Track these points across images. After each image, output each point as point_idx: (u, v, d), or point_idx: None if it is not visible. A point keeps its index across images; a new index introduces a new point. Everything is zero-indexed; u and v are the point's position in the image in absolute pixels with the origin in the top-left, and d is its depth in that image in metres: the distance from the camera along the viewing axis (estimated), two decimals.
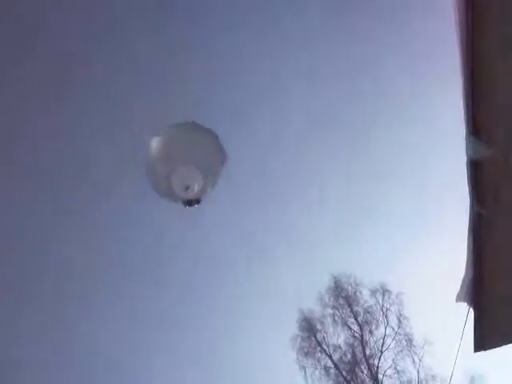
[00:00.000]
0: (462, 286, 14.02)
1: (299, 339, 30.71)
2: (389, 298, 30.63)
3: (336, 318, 31.24)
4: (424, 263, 33.87)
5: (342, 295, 31.70)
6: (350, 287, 31.78)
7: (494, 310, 13.67)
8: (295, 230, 35.65)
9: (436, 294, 33.17)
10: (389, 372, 29.11)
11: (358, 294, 31.68)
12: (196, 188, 6.04)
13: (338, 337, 30.86)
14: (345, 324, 31.00)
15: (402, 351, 29.10)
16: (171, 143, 6.36)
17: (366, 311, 31.11)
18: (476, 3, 8.59)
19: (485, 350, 15.32)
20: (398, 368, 28.99)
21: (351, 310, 31.35)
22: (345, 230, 35.83)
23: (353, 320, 31.11)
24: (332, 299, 31.66)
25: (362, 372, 29.26)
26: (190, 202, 6.06)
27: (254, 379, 34.83)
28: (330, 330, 31.04)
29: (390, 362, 29.29)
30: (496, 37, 7.37)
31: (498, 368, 23.18)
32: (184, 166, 6.15)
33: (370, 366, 29.10)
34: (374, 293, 31.03)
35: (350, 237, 34.75)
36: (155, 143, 6.39)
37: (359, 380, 28.99)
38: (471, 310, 14.46)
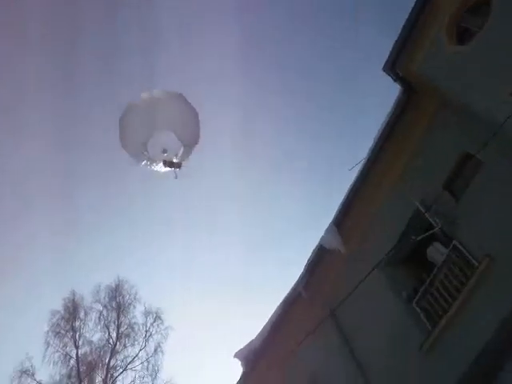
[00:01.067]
0: (245, 348, 14.63)
1: (58, 316, 29.88)
2: (157, 326, 30.57)
3: (101, 317, 30.66)
4: (208, 309, 34.67)
5: (117, 300, 31.23)
6: (128, 296, 31.42)
7: (261, 378, 14.33)
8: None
9: (207, 342, 33.98)
10: None
11: (132, 306, 31.36)
12: (172, 153, 6.21)
13: (93, 334, 30.22)
14: (106, 326, 30.43)
15: (143, 377, 29.02)
16: (156, 106, 6.45)
17: (131, 326, 30.78)
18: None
19: None
20: None
21: (118, 317, 30.84)
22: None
23: (114, 327, 30.59)
24: (107, 298, 31.14)
25: (99, 377, 28.70)
26: (171, 164, 6.21)
27: None
28: (90, 324, 30.41)
29: (128, 380, 29.15)
30: None
31: None
32: (164, 130, 6.28)
33: (107, 376, 28.61)
34: (147, 314, 30.92)
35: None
36: (141, 102, 6.45)
37: (91, 382, 28.36)
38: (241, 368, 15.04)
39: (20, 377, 27.62)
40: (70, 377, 28.41)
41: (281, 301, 13.76)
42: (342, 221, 12.43)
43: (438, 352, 9.87)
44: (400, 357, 10.69)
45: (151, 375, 29.17)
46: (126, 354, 30.12)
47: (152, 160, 6.41)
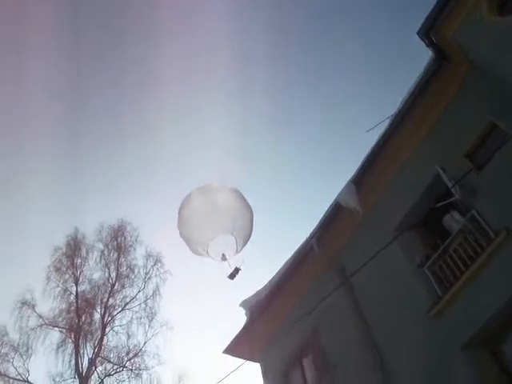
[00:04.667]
0: (251, 297, 14.76)
1: (59, 253, 30.17)
2: (157, 269, 30.76)
3: (102, 256, 30.92)
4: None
5: (119, 240, 31.37)
6: (130, 237, 31.53)
7: (263, 329, 14.56)
8: None
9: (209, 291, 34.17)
10: (119, 329, 29.19)
11: (133, 248, 31.49)
12: (230, 255, 6.73)
13: (93, 272, 30.48)
14: (106, 266, 30.64)
15: (141, 319, 29.34)
16: (215, 207, 6.95)
17: (131, 267, 30.96)
18: None
19: (231, 355, 16.17)
20: (129, 331, 29.14)
21: (118, 257, 31.03)
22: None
23: (114, 267, 30.78)
24: (108, 238, 31.38)
25: (98, 314, 29.08)
26: (232, 275, 7.19)
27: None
28: (91, 263, 30.69)
29: (125, 321, 29.46)
30: None
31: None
32: (221, 235, 6.76)
33: (105, 314, 29.00)
34: (147, 256, 31.04)
35: None
36: (199, 200, 6.93)
37: (89, 319, 28.77)
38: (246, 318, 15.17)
39: (21, 308, 27.86)
40: (68, 312, 28.71)
41: (292, 253, 13.93)
42: (361, 180, 12.46)
43: (446, 317, 10.09)
44: (407, 319, 10.95)
45: (148, 317, 29.36)
46: (124, 294, 30.28)
47: (212, 258, 7.07)
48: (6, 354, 26.42)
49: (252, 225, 7.50)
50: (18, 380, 26.06)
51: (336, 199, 12.77)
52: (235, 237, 7.12)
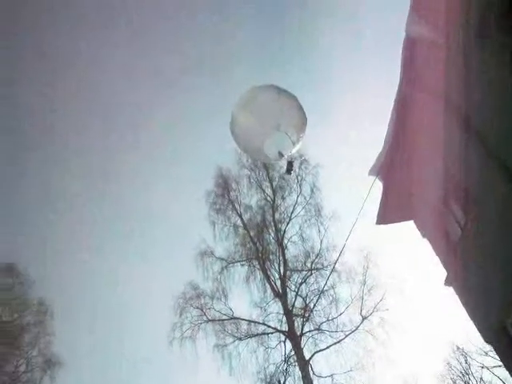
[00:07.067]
0: (376, 161, 14.30)
1: (213, 195, 31.18)
2: (305, 168, 30.69)
3: (251, 179, 31.65)
4: (343, 138, 34.24)
5: None
6: None
7: (400, 187, 14.07)
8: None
9: (350, 168, 33.79)
10: (294, 238, 29.98)
11: None
12: (287, 153, 7.19)
13: (250, 198, 31.39)
14: (259, 187, 31.40)
15: (309, 220, 30.00)
16: (262, 109, 7.15)
17: (282, 177, 31.35)
18: None
19: (385, 223, 15.90)
20: (304, 235, 29.87)
21: (267, 174, 31.62)
22: None
23: (267, 184, 31.49)
24: (250, 161, 31.53)
25: (269, 235, 30.04)
26: (288, 171, 7.45)
27: (163, 227, 35.87)
28: (245, 190, 31.57)
29: (296, 228, 30.21)
30: None
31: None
32: (276, 132, 7.05)
33: (277, 230, 29.91)
34: (293, 159, 30.82)
35: None
36: (246, 109, 7.21)
37: (265, 242, 29.83)
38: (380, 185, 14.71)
39: (202, 258, 29.29)
40: (244, 244, 29.98)
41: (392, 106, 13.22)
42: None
43: None
44: None
45: (315, 215, 29.97)
46: (286, 205, 31.05)
47: (272, 160, 7.49)
48: (206, 304, 28.11)
49: (300, 112, 7.41)
50: (227, 320, 27.65)
51: (405, 35, 11.71)
52: (285, 131, 7.07)
